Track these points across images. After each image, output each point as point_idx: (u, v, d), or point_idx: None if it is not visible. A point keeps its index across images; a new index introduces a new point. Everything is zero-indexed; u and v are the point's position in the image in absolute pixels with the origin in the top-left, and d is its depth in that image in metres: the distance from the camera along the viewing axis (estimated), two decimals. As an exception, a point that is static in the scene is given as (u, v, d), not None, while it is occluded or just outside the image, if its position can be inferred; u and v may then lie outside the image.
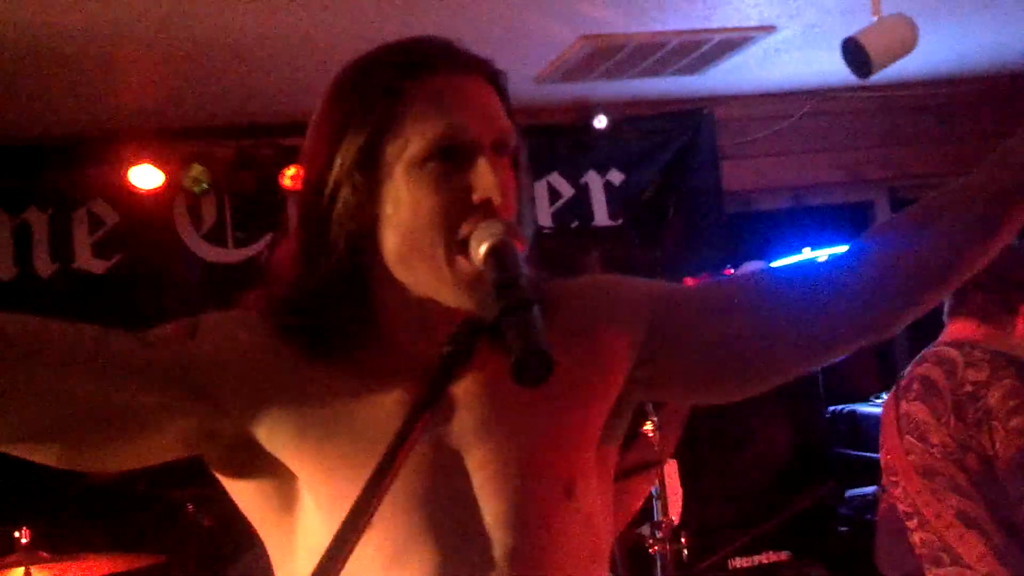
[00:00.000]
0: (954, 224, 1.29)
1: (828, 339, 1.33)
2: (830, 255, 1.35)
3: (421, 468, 1.18)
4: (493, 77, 1.24)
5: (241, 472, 1.24)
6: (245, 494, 1.26)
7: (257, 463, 1.21)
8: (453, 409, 1.23)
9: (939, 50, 4.66)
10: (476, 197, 1.16)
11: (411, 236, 1.17)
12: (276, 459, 1.20)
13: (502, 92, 1.24)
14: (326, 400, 1.20)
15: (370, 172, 1.18)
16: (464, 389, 1.23)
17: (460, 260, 1.15)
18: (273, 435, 1.20)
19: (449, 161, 1.17)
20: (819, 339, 1.33)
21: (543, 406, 1.24)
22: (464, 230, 1.16)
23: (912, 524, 2.48)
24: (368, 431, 1.19)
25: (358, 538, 0.97)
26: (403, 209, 1.17)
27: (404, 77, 1.19)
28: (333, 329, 1.21)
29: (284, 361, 1.21)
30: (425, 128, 1.17)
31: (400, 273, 1.20)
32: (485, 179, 1.16)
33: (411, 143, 1.17)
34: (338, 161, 1.18)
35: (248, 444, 1.20)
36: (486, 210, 1.16)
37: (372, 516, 0.98)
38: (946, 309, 2.57)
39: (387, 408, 1.20)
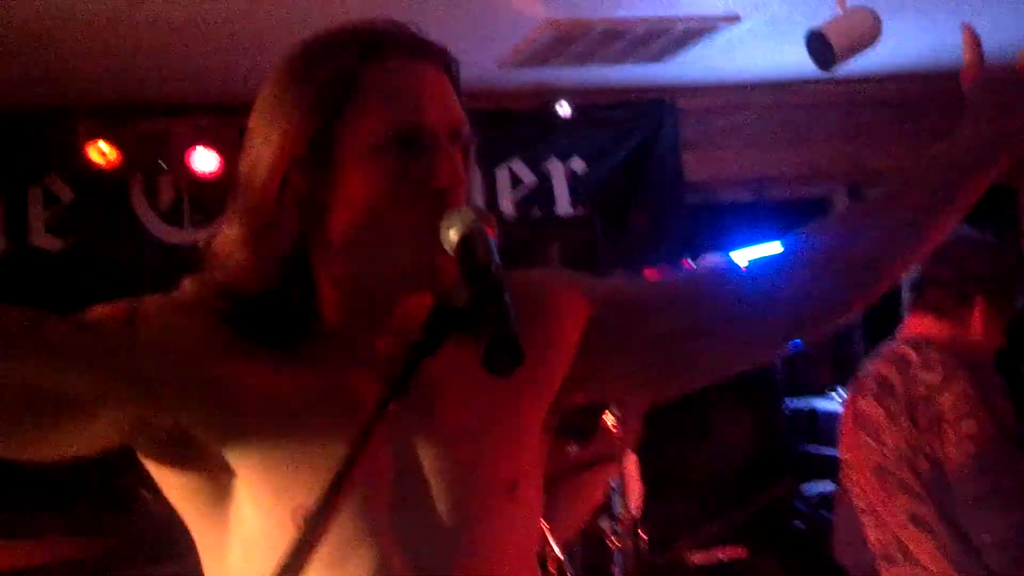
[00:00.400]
0: (890, 221, 1.32)
1: (760, 338, 1.35)
2: (770, 254, 1.36)
3: (369, 467, 1.16)
4: (447, 66, 1.23)
5: (174, 464, 1.20)
6: (175, 485, 1.22)
7: (191, 455, 1.18)
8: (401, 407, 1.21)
9: (903, 45, 4.69)
10: (434, 185, 1.15)
11: (367, 224, 1.15)
12: (212, 452, 1.17)
13: (455, 81, 1.23)
14: (269, 394, 1.17)
15: (322, 158, 1.15)
16: (412, 386, 1.21)
17: (426, 245, 1.13)
18: (211, 428, 1.16)
19: (406, 149, 1.15)
20: (751, 338, 1.35)
21: (489, 403, 1.23)
22: (427, 216, 1.14)
23: (867, 520, 2.49)
24: (318, 429, 1.17)
25: (316, 544, 0.95)
26: (358, 197, 1.15)
27: (358, 61, 1.17)
28: (279, 319, 1.18)
29: (226, 351, 1.17)
30: (382, 115, 1.15)
31: (351, 262, 1.18)
32: (444, 167, 1.15)
33: (367, 130, 1.15)
34: (288, 146, 1.15)
35: (184, 436, 1.17)
36: (445, 198, 1.14)
37: (328, 521, 0.96)
38: (904, 303, 2.58)
39: (337, 404, 1.18)
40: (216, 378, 1.17)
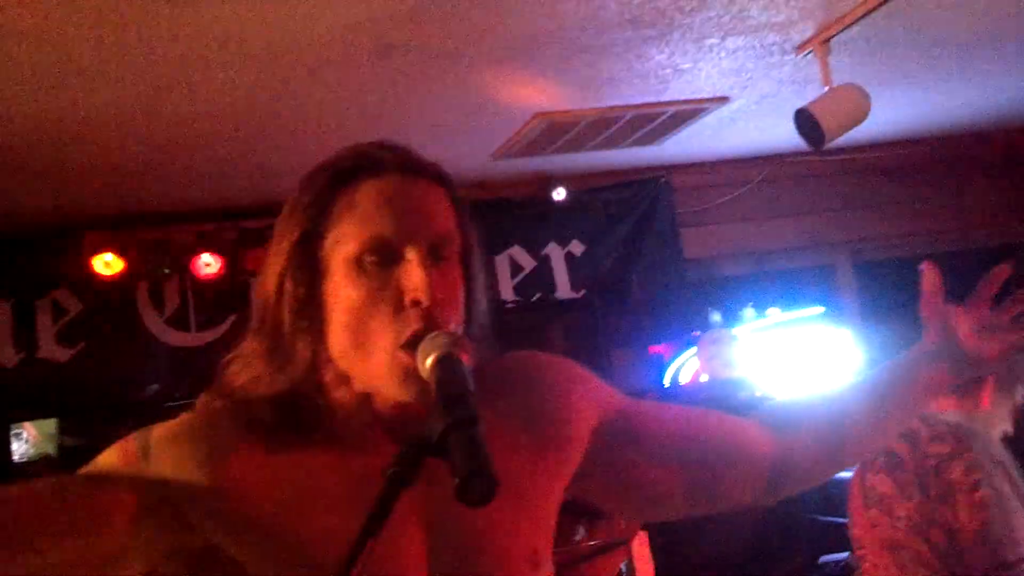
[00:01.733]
0: (844, 454, 1.50)
1: (715, 497, 1.46)
2: (744, 420, 1.48)
3: (386, 553, 1.16)
4: (441, 180, 1.26)
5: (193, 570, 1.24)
6: None
7: (212, 561, 1.22)
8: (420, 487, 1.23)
9: (893, 113, 4.74)
10: (407, 298, 1.18)
11: (351, 332, 1.20)
12: (228, 553, 1.21)
13: (452, 195, 1.27)
14: (282, 498, 1.21)
15: (310, 269, 1.21)
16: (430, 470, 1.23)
17: (399, 356, 1.17)
18: (231, 537, 1.21)
19: (382, 260, 1.19)
20: (708, 495, 1.45)
21: (508, 483, 1.24)
22: (402, 330, 1.17)
23: None
24: (315, 535, 1.20)
25: None
26: (342, 306, 1.20)
27: (347, 178, 1.23)
28: (297, 424, 1.22)
29: (241, 463, 1.21)
30: (359, 227, 1.20)
31: (345, 367, 1.22)
32: (413, 279, 1.18)
33: (346, 241, 1.20)
34: (281, 258, 1.22)
35: (212, 550, 1.21)
36: (423, 311, 1.17)
37: None
38: None
39: (338, 510, 1.20)
40: (235, 493, 1.20)
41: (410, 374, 1.16)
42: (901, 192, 5.57)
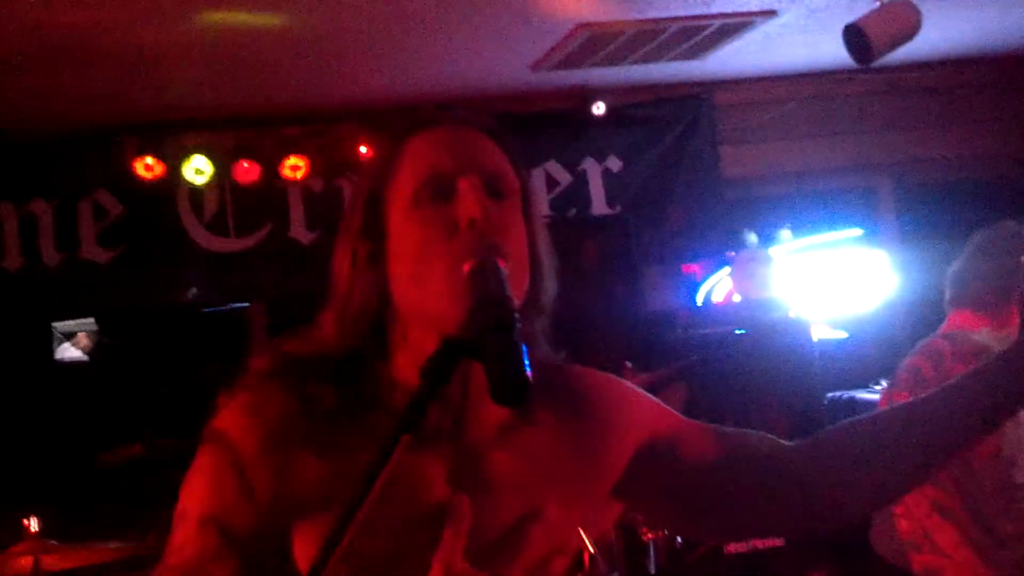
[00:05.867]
0: (907, 457, 1.35)
1: (767, 525, 1.48)
2: (798, 445, 1.40)
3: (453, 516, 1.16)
4: (492, 132, 1.30)
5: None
6: None
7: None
8: (465, 457, 1.25)
9: (944, 31, 4.61)
10: (461, 220, 1.20)
11: (410, 264, 1.22)
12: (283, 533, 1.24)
13: (505, 147, 1.30)
14: (339, 476, 1.21)
15: (376, 227, 1.26)
16: (478, 437, 1.25)
17: (454, 276, 1.17)
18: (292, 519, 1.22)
19: (439, 197, 1.22)
20: (759, 524, 1.46)
21: (548, 482, 1.27)
22: (459, 255, 1.18)
23: (898, 511, 2.52)
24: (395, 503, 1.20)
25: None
26: (402, 245, 1.23)
27: (404, 136, 1.28)
28: (356, 393, 1.24)
29: (313, 424, 1.22)
30: (414, 169, 1.24)
31: (406, 308, 1.23)
32: (466, 202, 1.20)
33: (403, 186, 1.24)
34: (352, 222, 1.27)
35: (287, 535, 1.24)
36: (477, 235, 1.19)
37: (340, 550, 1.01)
38: (947, 298, 2.57)
39: (406, 482, 1.20)
40: (297, 470, 1.21)
41: (465, 293, 1.15)
42: (948, 114, 5.45)
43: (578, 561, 2.68)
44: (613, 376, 1.41)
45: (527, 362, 1.05)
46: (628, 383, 1.42)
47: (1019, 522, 2.25)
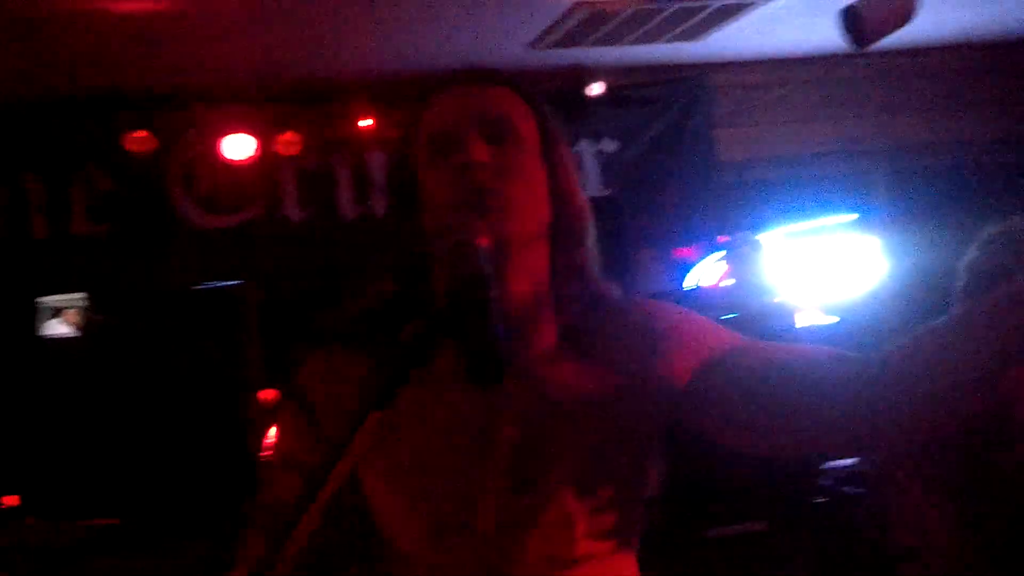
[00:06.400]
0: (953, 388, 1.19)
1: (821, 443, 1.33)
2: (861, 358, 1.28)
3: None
4: (507, 82, 1.35)
5: None
6: None
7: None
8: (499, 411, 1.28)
9: (940, 16, 4.60)
10: (464, 181, 1.26)
11: (431, 222, 1.29)
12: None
13: (520, 92, 1.34)
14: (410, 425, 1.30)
15: (411, 194, 1.34)
16: (525, 368, 1.29)
17: (452, 223, 1.24)
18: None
19: (444, 150, 1.29)
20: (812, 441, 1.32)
21: (598, 403, 1.30)
22: (455, 194, 1.26)
23: (888, 489, 2.51)
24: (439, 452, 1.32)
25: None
26: (426, 204, 1.31)
27: (424, 100, 1.35)
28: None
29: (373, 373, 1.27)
30: (427, 131, 1.32)
31: (438, 267, 1.28)
32: (467, 161, 1.26)
33: (420, 148, 1.32)
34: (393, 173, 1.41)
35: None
36: (469, 175, 1.25)
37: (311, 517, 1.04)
38: (956, 291, 2.56)
39: (449, 427, 1.31)
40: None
41: (460, 248, 1.18)
42: (942, 100, 5.44)
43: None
44: (664, 305, 1.40)
45: (501, 339, 1.07)
46: (679, 311, 1.40)
47: (1016, 503, 2.25)
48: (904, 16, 3.43)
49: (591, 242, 1.36)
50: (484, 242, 1.17)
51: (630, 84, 5.10)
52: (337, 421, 1.24)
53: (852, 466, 4.34)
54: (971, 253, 2.54)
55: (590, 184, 5.07)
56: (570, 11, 4.11)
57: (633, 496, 1.33)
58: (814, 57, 5.19)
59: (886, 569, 2.61)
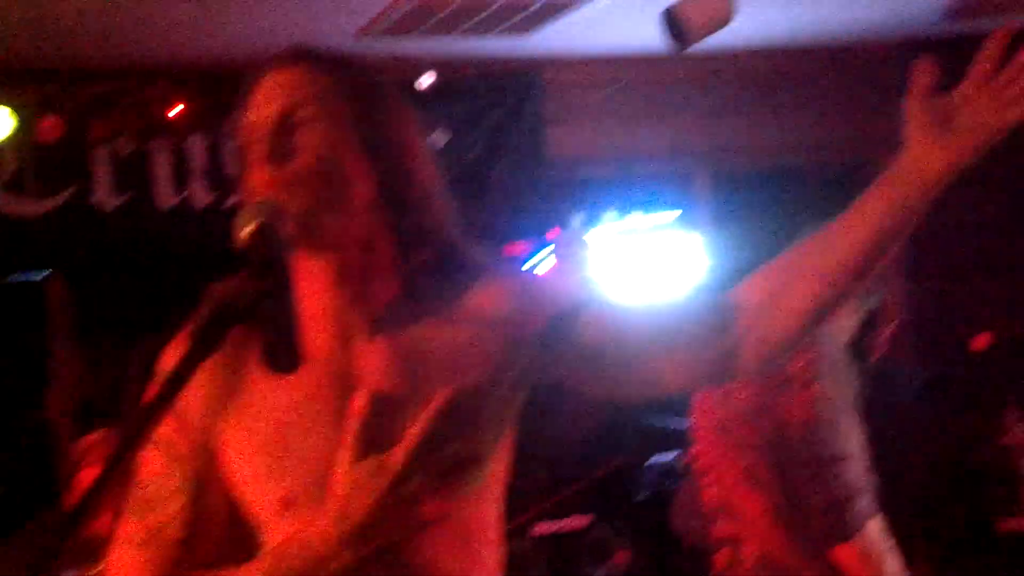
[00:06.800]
0: (804, 298, 1.33)
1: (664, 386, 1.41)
2: (691, 305, 1.47)
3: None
4: (304, 57, 1.36)
5: None
6: None
7: None
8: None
9: (760, 21, 4.74)
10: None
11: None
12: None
13: (317, 67, 1.35)
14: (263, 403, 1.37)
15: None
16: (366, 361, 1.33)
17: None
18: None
19: (245, 152, 1.35)
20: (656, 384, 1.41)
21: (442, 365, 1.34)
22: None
23: (705, 481, 2.57)
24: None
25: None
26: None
27: (247, 81, 1.36)
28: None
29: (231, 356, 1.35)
30: (240, 126, 1.36)
31: None
32: (255, 167, 1.31)
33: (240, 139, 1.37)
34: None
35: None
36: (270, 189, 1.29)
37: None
38: None
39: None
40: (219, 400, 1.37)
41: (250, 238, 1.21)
42: (767, 104, 5.61)
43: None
44: (517, 266, 1.48)
45: (293, 328, 1.11)
46: (529, 284, 1.44)
47: (828, 493, 2.32)
48: (722, 19, 3.52)
49: (440, 204, 1.41)
50: (281, 230, 1.20)
51: (461, 77, 5.08)
52: (196, 402, 1.32)
53: (672, 461, 4.47)
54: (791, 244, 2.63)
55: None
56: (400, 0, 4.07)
57: (485, 454, 1.34)
58: (642, 57, 5.27)
59: (702, 558, 2.67)
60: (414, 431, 1.25)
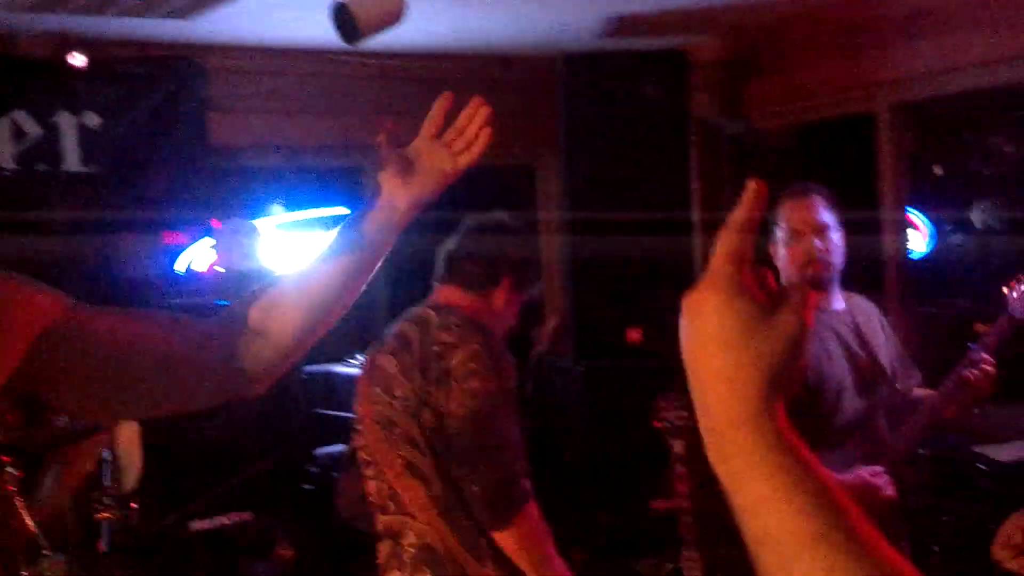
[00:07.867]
0: (294, 320, 1.50)
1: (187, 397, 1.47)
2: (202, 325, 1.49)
3: None
4: None
5: None
6: None
7: None
8: None
9: (429, 24, 4.85)
10: None
11: None
12: None
13: None
14: None
15: None
16: None
17: None
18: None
19: None
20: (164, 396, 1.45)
21: None
22: None
23: (368, 472, 2.60)
24: None
25: None
26: None
27: None
28: None
29: None
30: None
31: None
32: None
33: None
34: None
35: None
36: None
37: None
38: (435, 274, 2.69)
39: None
40: None
41: None
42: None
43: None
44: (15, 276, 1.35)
45: None
46: (15, 277, 1.34)
47: (486, 481, 2.41)
48: (391, 17, 3.56)
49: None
50: None
51: (117, 58, 4.83)
52: None
53: (339, 453, 4.47)
54: (449, 241, 2.72)
55: (69, 159, 4.72)
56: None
57: None
58: (314, 50, 5.23)
59: (366, 548, 2.70)
60: None
